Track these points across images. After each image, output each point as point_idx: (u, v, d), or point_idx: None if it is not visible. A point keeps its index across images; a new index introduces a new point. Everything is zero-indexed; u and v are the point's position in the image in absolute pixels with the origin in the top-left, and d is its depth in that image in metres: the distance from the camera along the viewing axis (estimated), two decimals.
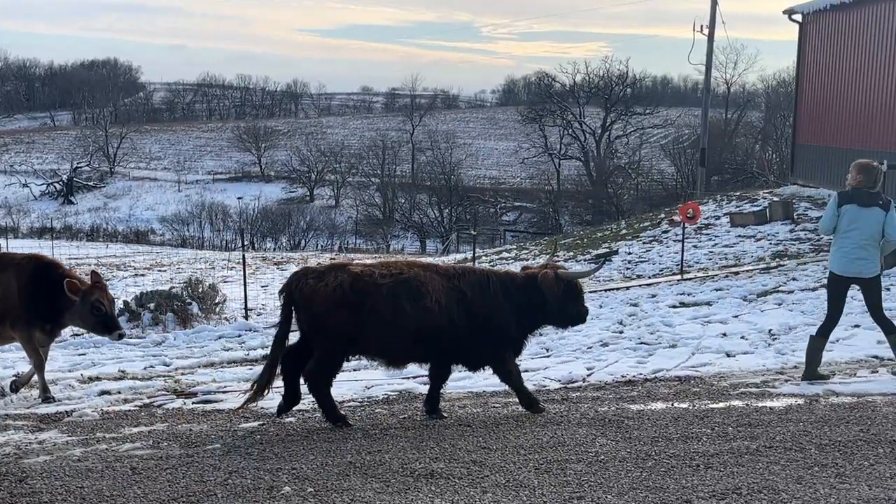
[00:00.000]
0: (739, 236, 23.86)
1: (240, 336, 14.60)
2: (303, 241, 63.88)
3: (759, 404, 8.42)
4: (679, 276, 18.79)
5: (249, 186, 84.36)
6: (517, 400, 8.30)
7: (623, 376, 10.31)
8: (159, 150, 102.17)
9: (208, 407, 9.10)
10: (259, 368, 11.71)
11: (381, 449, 6.94)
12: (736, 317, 13.99)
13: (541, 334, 8.74)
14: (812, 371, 9.61)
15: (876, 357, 10.84)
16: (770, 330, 12.78)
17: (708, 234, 24.97)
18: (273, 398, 9.40)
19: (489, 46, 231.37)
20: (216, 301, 16.51)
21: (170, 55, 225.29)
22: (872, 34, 26.49)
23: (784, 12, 31.78)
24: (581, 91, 78.17)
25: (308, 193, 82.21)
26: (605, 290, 18.18)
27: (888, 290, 14.77)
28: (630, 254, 24.10)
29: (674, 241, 24.18)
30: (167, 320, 15.15)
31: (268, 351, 12.76)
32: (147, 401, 9.53)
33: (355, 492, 5.89)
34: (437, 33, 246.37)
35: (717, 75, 67.79)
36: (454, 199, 68.60)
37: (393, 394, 9.54)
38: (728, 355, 11.40)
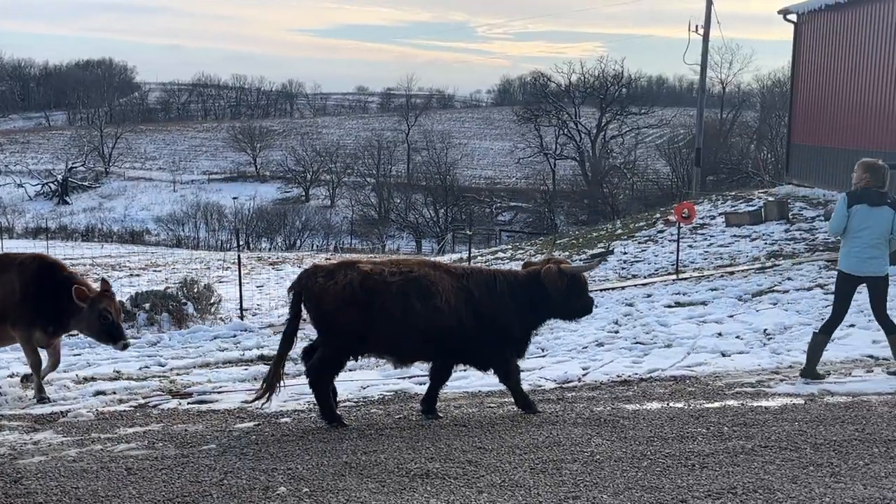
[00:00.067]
0: (735, 236, 23.88)
1: (235, 336, 14.59)
2: (298, 242, 63.87)
3: (755, 404, 8.42)
4: (674, 276, 18.80)
5: (245, 186, 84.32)
6: (513, 400, 8.30)
7: (618, 376, 10.32)
8: (154, 150, 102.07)
9: (203, 407, 9.09)
10: (259, 367, 11.78)
11: (377, 449, 6.93)
12: (731, 316, 14.00)
13: (536, 334, 8.71)
14: (811, 369, 9.63)
15: (871, 357, 10.86)
16: (765, 330, 12.80)
17: (703, 234, 24.99)
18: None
19: (484, 46, 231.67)
20: (211, 301, 16.51)
21: (165, 55, 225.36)
22: (867, 34, 26.53)
23: (779, 12, 31.81)
24: (576, 91, 78.18)
25: (303, 193, 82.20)
26: (601, 290, 18.18)
27: None
28: (625, 253, 24.12)
29: (669, 240, 24.19)
30: (162, 321, 15.15)
31: (263, 351, 12.88)
32: (142, 401, 9.52)
33: (351, 492, 5.88)
34: (433, 33, 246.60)
35: (713, 75, 67.88)
36: (450, 199, 68.60)
37: (388, 394, 9.54)
38: (723, 355, 11.42)
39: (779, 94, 66.89)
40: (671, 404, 8.51)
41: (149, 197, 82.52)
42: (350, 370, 10.85)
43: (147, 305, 15.32)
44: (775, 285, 16.22)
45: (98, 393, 9.94)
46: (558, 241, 32.91)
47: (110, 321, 9.39)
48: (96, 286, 9.78)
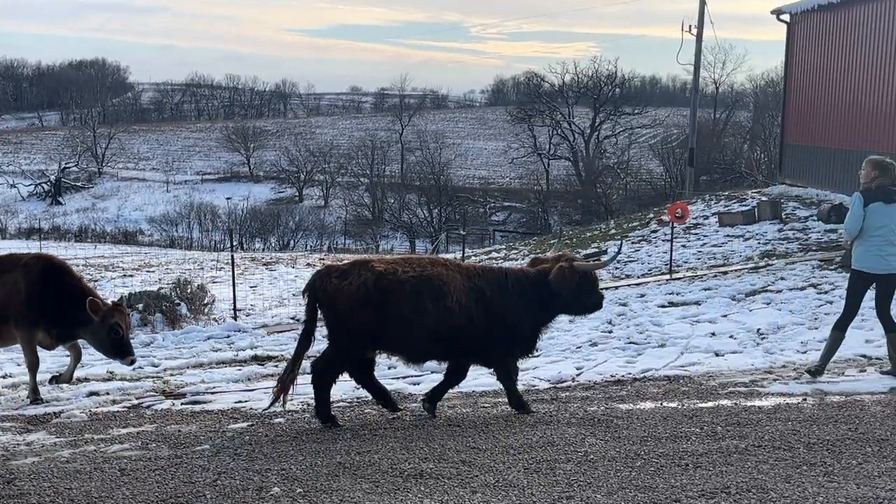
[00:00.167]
0: (728, 236, 23.90)
1: (228, 337, 14.57)
2: (292, 242, 63.84)
3: (748, 403, 8.44)
4: (668, 276, 18.82)
5: (238, 187, 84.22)
6: (506, 400, 8.31)
7: (612, 376, 10.33)
8: (148, 151, 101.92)
9: (197, 408, 9.08)
10: (253, 368, 11.78)
11: (371, 449, 6.93)
12: (724, 316, 14.02)
13: (546, 330, 8.73)
14: (823, 366, 9.66)
15: (864, 356, 10.89)
16: (758, 329, 12.82)
17: (696, 234, 25.01)
18: (261, 399, 9.43)
19: (478, 46, 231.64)
20: (205, 302, 16.48)
21: (158, 55, 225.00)
22: (860, 34, 26.59)
23: (772, 12, 31.87)
24: (570, 91, 78.20)
25: (297, 194, 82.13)
26: None
27: None
28: (619, 253, 24.12)
29: (662, 240, 24.21)
30: (156, 321, 15.12)
31: (257, 352, 12.88)
32: (135, 402, 9.50)
33: (344, 492, 5.88)
34: (426, 33, 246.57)
35: (706, 75, 68.03)
36: (443, 200, 68.62)
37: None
38: (717, 355, 11.44)
39: (772, 94, 67.05)
40: (665, 404, 8.52)
41: (142, 197, 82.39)
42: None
43: (140, 306, 15.30)
44: (768, 285, 16.25)
45: (91, 394, 9.92)
46: (551, 241, 32.92)
47: (120, 336, 9.43)
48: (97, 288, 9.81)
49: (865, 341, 11.57)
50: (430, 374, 10.64)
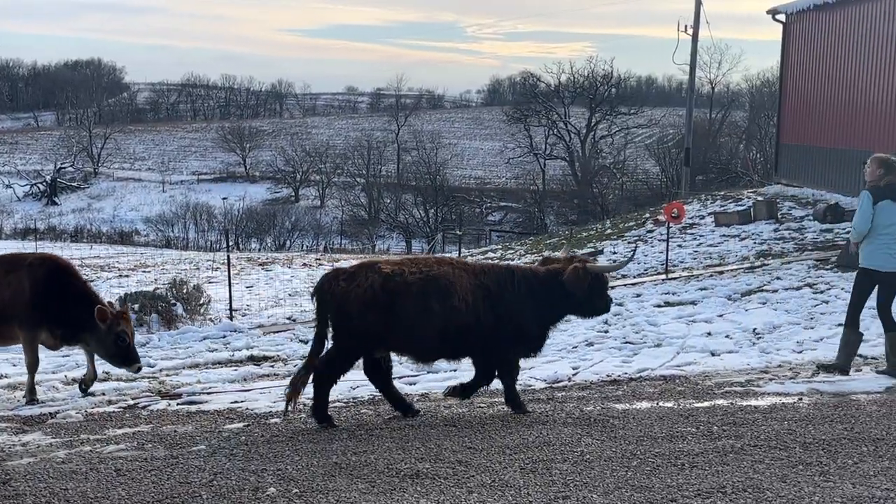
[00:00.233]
0: (724, 236, 23.93)
1: (224, 337, 14.56)
2: (288, 242, 63.79)
3: (744, 403, 8.44)
4: (664, 276, 18.83)
5: (234, 187, 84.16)
6: (503, 399, 8.31)
7: (608, 376, 10.34)
8: (143, 151, 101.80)
9: (193, 408, 9.07)
10: (249, 368, 11.78)
11: (367, 449, 6.93)
12: (720, 316, 14.04)
13: (554, 330, 8.75)
14: (846, 363, 9.71)
15: (860, 356, 10.88)
16: (754, 329, 12.83)
17: (692, 234, 25.04)
18: (257, 399, 9.43)
19: (474, 46, 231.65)
20: (201, 302, 16.47)
21: (154, 55, 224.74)
22: (856, 34, 26.63)
23: (768, 12, 31.91)
24: (566, 91, 78.22)
25: (293, 194, 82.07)
26: None
27: None
28: (615, 253, 24.14)
29: (658, 240, 24.23)
30: (151, 321, 15.11)
31: (253, 352, 12.87)
32: (131, 402, 9.50)
33: (340, 492, 5.87)
34: (422, 33, 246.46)
35: (702, 75, 67.97)
36: (439, 199, 68.59)
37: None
38: (713, 354, 11.45)
39: (768, 93, 67.02)
40: (661, 404, 8.52)
41: (138, 197, 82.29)
42: None
43: (136, 306, 15.27)
44: (764, 285, 16.26)
45: (87, 394, 9.90)
46: (548, 241, 32.94)
47: (127, 344, 9.45)
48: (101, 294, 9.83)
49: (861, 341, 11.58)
50: (426, 374, 10.65)
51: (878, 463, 6.36)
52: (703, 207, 29.40)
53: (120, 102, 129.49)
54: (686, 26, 37.83)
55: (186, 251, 46.31)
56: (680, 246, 23.13)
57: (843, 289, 15.01)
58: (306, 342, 13.91)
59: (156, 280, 22.08)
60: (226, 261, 19.17)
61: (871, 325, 12.31)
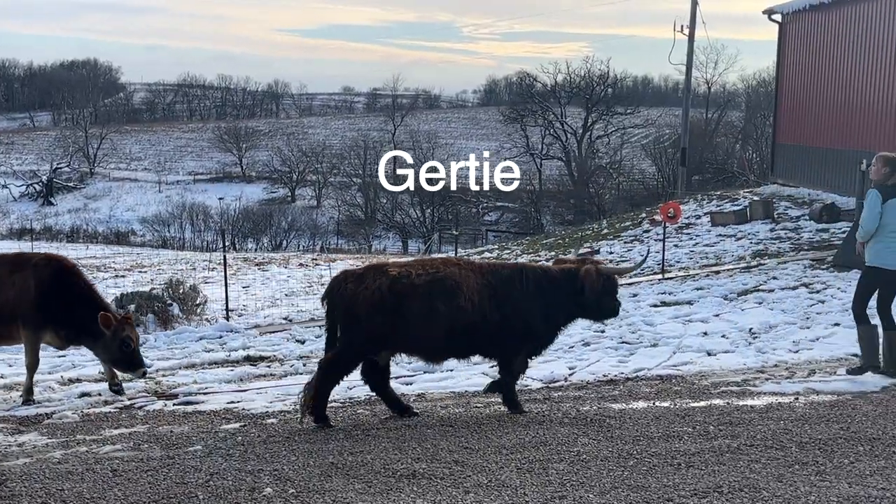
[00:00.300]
0: (720, 235, 23.95)
1: (221, 337, 14.54)
2: (284, 242, 63.71)
3: (740, 403, 8.45)
4: (660, 276, 18.84)
5: (230, 187, 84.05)
6: (499, 400, 8.32)
7: (605, 375, 10.34)
8: (140, 151, 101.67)
9: (189, 408, 9.07)
10: (245, 368, 11.76)
11: (363, 450, 6.93)
12: (717, 316, 14.04)
13: (563, 331, 8.77)
14: (874, 361, 9.65)
15: (856, 355, 10.88)
16: (751, 329, 12.84)
17: (689, 234, 25.05)
18: (253, 399, 9.42)
19: (470, 46, 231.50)
20: (197, 302, 16.45)
21: (150, 55, 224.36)
22: (851, 34, 26.66)
23: (764, 12, 31.95)
24: (562, 91, 78.15)
25: (289, 194, 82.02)
26: None
27: None
28: (611, 253, 24.15)
29: (655, 240, 24.24)
30: (148, 322, 15.08)
31: (249, 352, 12.85)
32: (127, 402, 9.49)
33: (337, 493, 5.87)
34: (418, 33, 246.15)
35: (698, 75, 68.09)
36: (436, 200, 68.52)
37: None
38: (709, 354, 11.45)
39: (764, 93, 67.13)
40: (657, 403, 8.53)
41: (134, 198, 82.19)
42: None
43: (132, 306, 15.24)
44: (760, 284, 16.28)
45: (83, 394, 9.91)
46: (544, 241, 32.95)
47: (132, 349, 9.46)
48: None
49: (857, 340, 11.58)
50: (423, 374, 10.65)
51: (874, 462, 6.37)
52: (700, 207, 29.42)
53: (116, 103, 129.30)
54: (682, 26, 37.82)
55: (183, 251, 46.26)
56: (676, 246, 23.15)
57: (839, 288, 15.03)
58: (303, 342, 13.93)
59: (152, 280, 22.05)
60: (222, 261, 19.16)
61: None
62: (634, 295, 16.80)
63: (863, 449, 6.71)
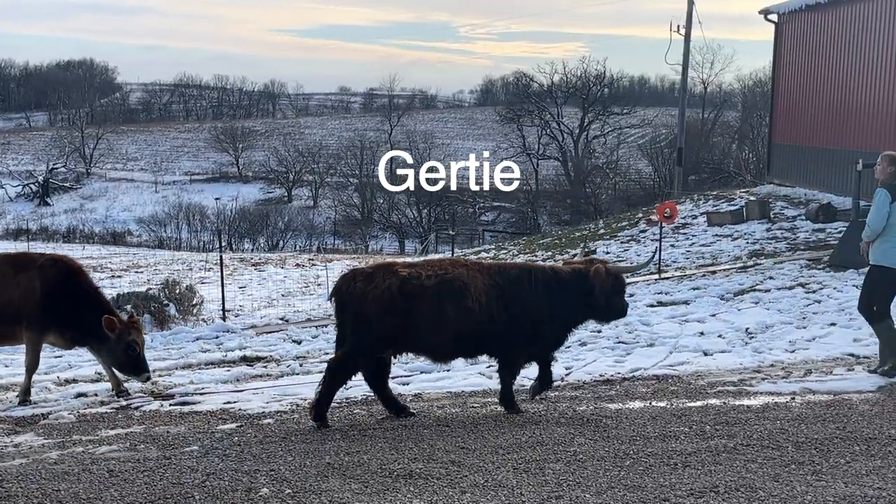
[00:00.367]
0: (716, 235, 23.96)
1: (217, 337, 14.53)
2: (281, 242, 63.70)
3: (737, 403, 8.46)
4: (656, 276, 18.85)
5: (227, 187, 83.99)
6: (496, 400, 8.32)
7: (601, 375, 10.34)
8: (136, 151, 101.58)
9: (186, 409, 9.06)
10: (242, 369, 11.75)
11: (360, 450, 6.93)
12: (713, 315, 14.04)
13: (574, 332, 8.79)
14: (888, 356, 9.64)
15: (852, 355, 10.92)
16: (747, 328, 12.84)
17: (685, 234, 25.06)
18: (249, 400, 9.41)
19: (467, 46, 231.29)
20: (193, 302, 16.45)
21: (146, 56, 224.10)
22: (848, 34, 26.68)
23: (760, 12, 31.97)
24: (559, 91, 78.15)
25: (286, 194, 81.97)
26: None
27: None
28: (608, 253, 24.15)
29: (651, 240, 24.26)
30: (144, 322, 15.07)
31: (246, 352, 12.85)
32: (124, 403, 9.48)
33: (334, 493, 5.87)
34: (415, 33, 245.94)
35: (694, 75, 68.06)
36: (433, 200, 68.52)
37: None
38: (705, 354, 11.45)
39: (760, 93, 67.17)
40: (654, 403, 8.54)
41: (130, 198, 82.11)
42: None
43: (129, 307, 15.23)
44: (757, 284, 16.28)
45: (79, 395, 9.89)
46: (541, 241, 32.96)
47: (137, 353, 9.44)
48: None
49: (853, 340, 11.61)
50: (419, 375, 10.64)
51: (870, 462, 6.38)
52: (696, 207, 29.44)
53: (112, 103, 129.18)
54: (678, 26, 37.88)
55: (179, 252, 46.32)
56: (672, 246, 23.16)
57: (835, 288, 15.05)
58: (299, 343, 13.92)
59: (148, 280, 22.05)
60: (218, 261, 19.16)
61: (862, 324, 12.35)
62: (631, 295, 16.75)
63: (859, 448, 6.72)
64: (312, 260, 33.50)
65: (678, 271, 19.43)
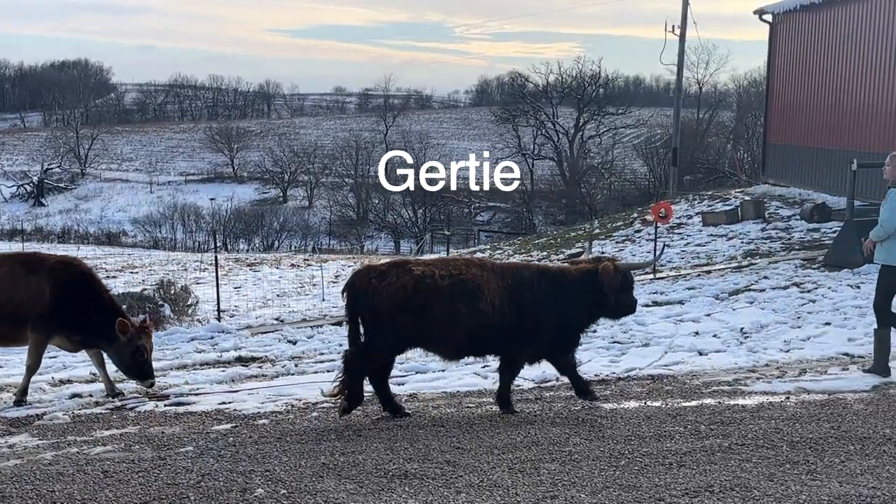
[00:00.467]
0: (711, 235, 23.99)
1: (212, 338, 14.52)
2: (276, 242, 63.65)
3: (732, 402, 8.46)
4: (651, 275, 18.86)
5: (222, 187, 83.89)
6: (491, 400, 8.32)
7: (596, 375, 10.34)
8: (131, 152, 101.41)
9: (181, 409, 9.05)
10: (237, 369, 11.74)
11: (355, 450, 6.92)
12: (708, 315, 14.06)
13: (587, 332, 8.83)
14: (883, 364, 9.63)
15: (846, 354, 10.94)
16: (742, 328, 12.86)
17: (680, 234, 25.09)
18: (245, 400, 9.41)
19: (462, 47, 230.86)
20: (188, 303, 16.42)
21: (141, 56, 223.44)
22: (842, 34, 26.72)
23: (755, 12, 32.00)
24: (554, 91, 78.13)
25: (281, 194, 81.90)
26: None
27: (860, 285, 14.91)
28: (603, 253, 24.17)
29: (646, 240, 24.29)
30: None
31: (241, 353, 12.84)
32: (119, 403, 9.47)
33: (329, 493, 5.87)
34: (410, 34, 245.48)
35: (689, 75, 68.00)
36: (428, 200, 68.49)
37: (367, 394, 9.51)
38: (700, 354, 11.46)
39: (755, 93, 67.17)
40: (649, 403, 8.54)
41: (125, 198, 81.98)
42: (328, 371, 10.85)
43: (124, 307, 15.20)
44: (752, 284, 16.30)
45: (74, 395, 9.87)
46: (536, 241, 32.97)
47: (144, 359, 9.42)
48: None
49: (848, 340, 11.63)
50: (415, 375, 10.64)
51: (865, 461, 6.39)
52: (691, 207, 29.47)
53: (107, 103, 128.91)
54: (673, 26, 37.86)
55: (174, 252, 46.19)
56: (668, 245, 23.17)
57: (829, 288, 15.07)
58: (294, 343, 13.91)
59: (143, 281, 22.01)
60: (213, 261, 19.13)
61: (857, 323, 12.38)
62: None
63: (853, 448, 6.73)
64: (308, 260, 33.47)
65: (673, 271, 19.45)
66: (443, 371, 10.64)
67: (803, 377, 9.71)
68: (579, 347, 8.83)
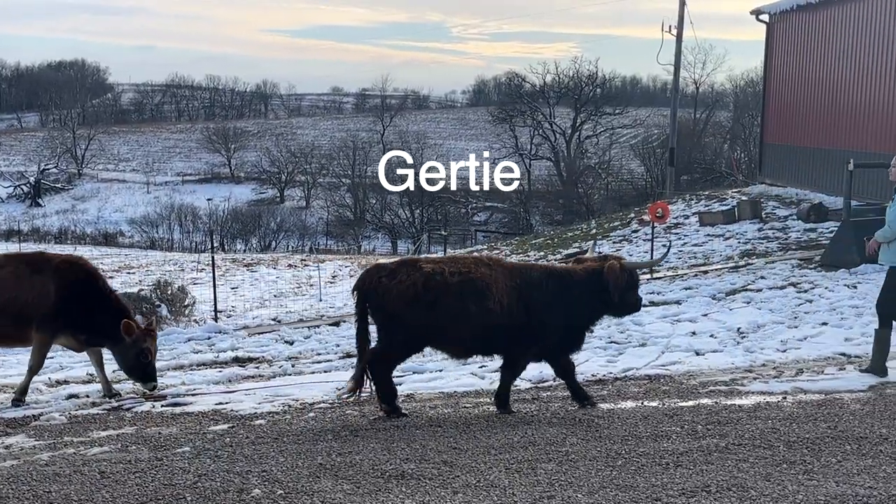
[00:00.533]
0: (708, 235, 24.01)
1: (209, 338, 14.51)
2: (273, 243, 63.65)
3: (729, 402, 8.47)
4: (648, 275, 18.86)
5: (219, 188, 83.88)
6: (488, 400, 8.32)
7: (593, 375, 10.34)
8: (128, 152, 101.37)
9: (177, 410, 9.05)
10: (234, 369, 11.74)
11: (352, 450, 6.92)
12: (705, 315, 14.07)
13: (591, 330, 8.85)
14: (880, 364, 9.63)
15: (843, 354, 10.95)
16: (739, 328, 12.86)
17: (677, 234, 25.10)
18: (242, 401, 9.40)
19: (459, 47, 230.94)
20: (185, 303, 16.41)
21: (138, 56, 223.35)
22: (839, 34, 26.75)
23: (751, 13, 32.04)
24: (551, 91, 78.15)
25: (278, 194, 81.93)
26: None
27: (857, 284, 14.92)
28: (600, 253, 24.16)
29: (643, 240, 24.30)
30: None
31: (238, 353, 12.85)
32: (115, 404, 9.46)
33: (326, 493, 5.86)
34: (407, 34, 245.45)
35: (686, 75, 68.25)
36: (425, 200, 68.49)
37: (364, 394, 9.51)
38: (697, 354, 11.47)
39: (752, 93, 67.30)
40: (646, 403, 8.54)
41: (122, 199, 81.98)
42: (325, 371, 10.85)
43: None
44: (748, 284, 16.31)
45: (71, 396, 9.86)
46: (533, 241, 32.98)
47: (148, 361, 9.42)
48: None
49: (845, 339, 11.64)
50: (412, 375, 10.64)
51: (862, 461, 6.39)
52: (688, 207, 29.49)
53: (104, 103, 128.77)
54: (670, 27, 37.83)
55: (171, 252, 46.24)
56: (665, 245, 23.17)
57: (826, 288, 15.08)
58: (291, 343, 13.90)
59: (140, 281, 22.01)
60: (210, 262, 19.13)
61: (853, 323, 12.40)
62: None
63: (850, 448, 6.73)
64: (305, 260, 33.46)
65: (670, 271, 19.46)
66: (440, 371, 10.64)
67: (800, 377, 9.72)
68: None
